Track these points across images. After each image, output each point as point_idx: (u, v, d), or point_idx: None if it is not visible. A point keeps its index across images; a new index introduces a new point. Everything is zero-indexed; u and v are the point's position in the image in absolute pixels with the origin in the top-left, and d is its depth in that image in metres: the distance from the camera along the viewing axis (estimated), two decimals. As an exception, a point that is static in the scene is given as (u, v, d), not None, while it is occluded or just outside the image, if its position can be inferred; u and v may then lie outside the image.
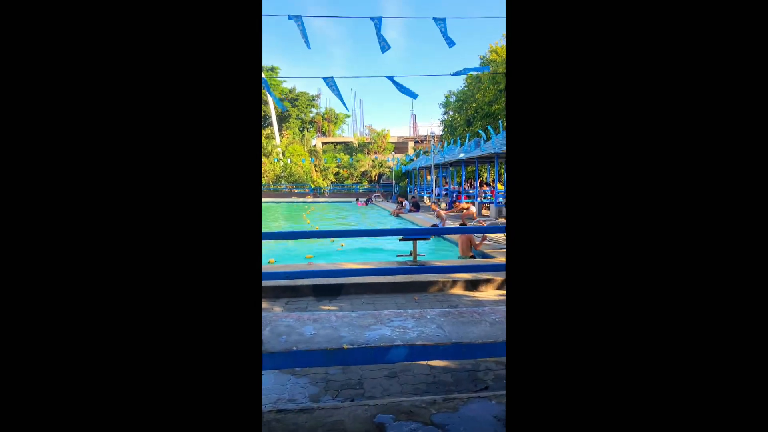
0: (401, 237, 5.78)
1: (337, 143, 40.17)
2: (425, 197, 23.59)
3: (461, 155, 16.35)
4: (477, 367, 2.83)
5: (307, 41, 6.45)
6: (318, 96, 45.96)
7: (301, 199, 30.52)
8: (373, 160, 36.98)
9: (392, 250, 8.04)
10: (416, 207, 16.49)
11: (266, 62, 43.00)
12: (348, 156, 36.41)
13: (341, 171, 36.46)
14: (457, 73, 7.99)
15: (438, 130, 33.62)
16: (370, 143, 39.10)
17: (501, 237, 7.80)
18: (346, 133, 47.57)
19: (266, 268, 5.16)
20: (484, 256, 6.31)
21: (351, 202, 25.85)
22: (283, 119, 44.05)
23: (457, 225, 9.71)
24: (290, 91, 45.08)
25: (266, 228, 13.09)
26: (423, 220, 13.04)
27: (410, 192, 26.86)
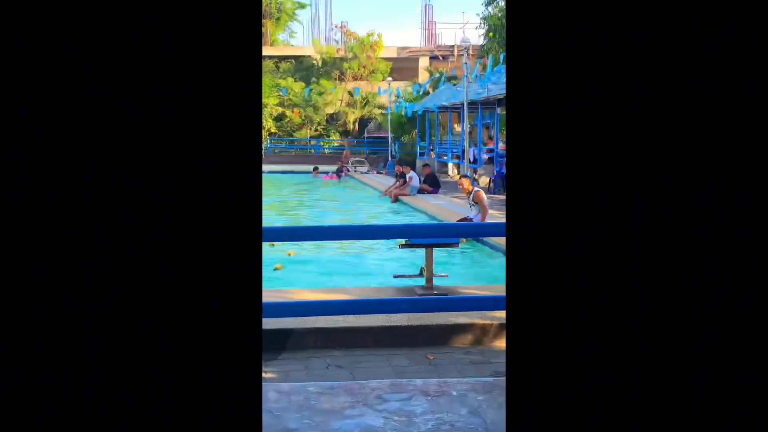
0: (404, 241, 5.82)
1: (282, 59, 40.06)
2: (449, 165, 23.79)
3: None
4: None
5: None
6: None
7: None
8: (351, 93, 36.94)
9: (387, 266, 8.09)
10: (432, 183, 16.61)
11: None
12: (302, 84, 36.30)
13: (289, 112, 36.34)
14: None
15: (475, 36, 33.59)
16: (344, 60, 39.23)
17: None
18: (299, 40, 47.38)
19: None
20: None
21: (307, 173, 25.83)
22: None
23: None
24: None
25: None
26: (445, 208, 13.16)
27: (421, 155, 27.00)
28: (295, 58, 40.30)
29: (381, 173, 25.21)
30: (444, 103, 23.30)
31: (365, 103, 36.50)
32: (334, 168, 25.58)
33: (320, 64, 39.29)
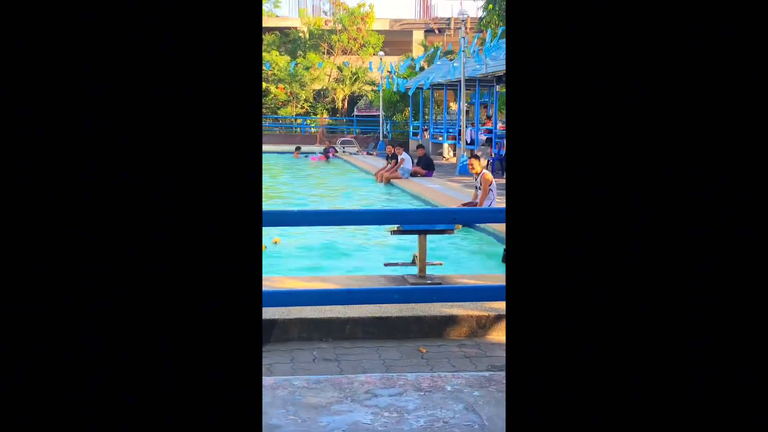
0: (396, 227, 5.83)
1: (266, 31, 39.78)
2: (445, 146, 23.79)
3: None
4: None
5: None
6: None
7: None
8: (341, 68, 36.75)
9: (377, 254, 8.10)
10: (426, 165, 16.62)
11: None
12: (288, 58, 36.07)
13: (273, 88, 36.09)
14: None
15: (474, 9, 33.41)
16: (333, 33, 38.97)
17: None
18: (285, 10, 47.05)
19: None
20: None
21: (288, 153, 25.67)
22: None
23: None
24: None
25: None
26: (440, 192, 13.18)
27: (415, 135, 26.97)
28: (280, 29, 40.02)
29: (371, 154, 25.19)
30: (439, 80, 23.23)
31: (355, 79, 36.34)
32: (320, 148, 25.47)
33: (307, 37, 39.07)
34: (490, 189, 9.20)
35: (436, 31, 41.96)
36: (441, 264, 6.09)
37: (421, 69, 29.36)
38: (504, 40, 19.16)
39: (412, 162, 16.50)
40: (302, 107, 36.15)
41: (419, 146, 18.44)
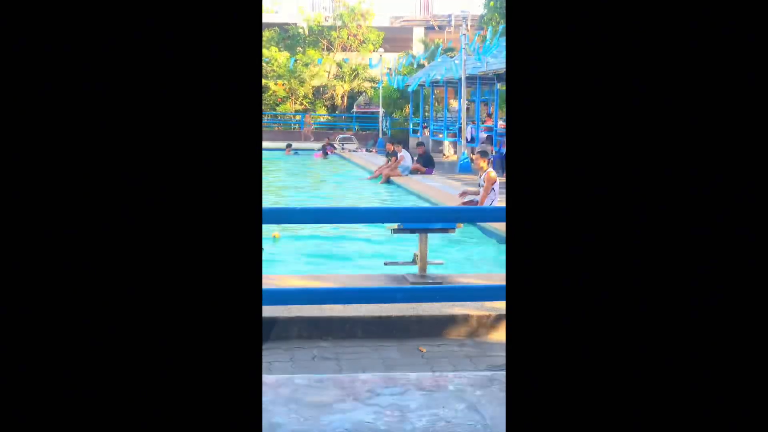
0: (396, 226, 5.84)
1: (266, 26, 39.69)
2: (445, 143, 23.77)
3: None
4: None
5: None
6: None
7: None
8: (340, 65, 36.71)
9: (377, 252, 8.10)
10: (427, 163, 16.61)
11: None
12: (287, 54, 36.01)
13: (272, 85, 36.02)
14: None
15: (475, 6, 33.40)
16: (333, 29, 38.92)
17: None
18: (285, 6, 46.93)
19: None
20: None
21: (280, 150, 25.54)
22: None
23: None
24: None
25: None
26: (440, 190, 13.17)
27: (415, 132, 26.94)
28: (280, 25, 39.91)
29: (371, 151, 25.14)
30: (440, 78, 23.22)
31: (355, 76, 36.26)
32: (320, 146, 25.42)
33: (306, 33, 38.98)
34: (492, 188, 9.19)
35: (437, 28, 41.92)
36: (442, 263, 6.09)
37: (421, 66, 29.34)
38: (504, 39, 19.20)
39: (412, 159, 16.48)
40: (301, 104, 36.06)
41: (419, 144, 18.41)
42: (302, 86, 35.68)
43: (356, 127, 33.26)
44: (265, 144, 28.57)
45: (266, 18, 40.65)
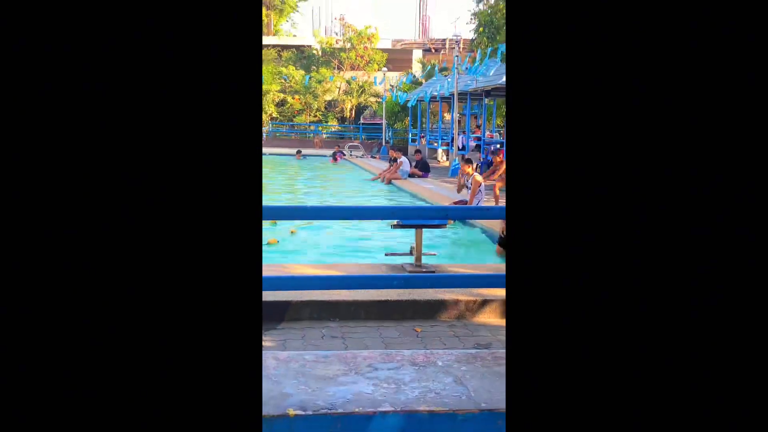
0: (395, 222, 5.83)
1: (284, 48, 39.68)
2: (439, 151, 23.74)
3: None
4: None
5: None
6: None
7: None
8: (349, 82, 36.64)
9: (379, 245, 8.11)
10: (423, 168, 16.59)
11: None
12: (303, 72, 35.94)
13: (290, 99, 36.01)
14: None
15: (467, 31, 33.38)
16: (342, 50, 38.80)
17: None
18: (301, 30, 46.91)
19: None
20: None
21: (292, 155, 25.76)
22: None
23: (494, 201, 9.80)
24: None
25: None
26: (434, 191, 13.16)
27: (413, 141, 26.90)
28: (297, 47, 39.98)
29: (375, 157, 25.11)
30: (435, 94, 23.18)
31: (361, 92, 36.29)
32: (332, 153, 25.47)
33: (320, 54, 38.97)
34: (479, 190, 9.20)
35: (433, 51, 41.88)
36: (435, 254, 6.10)
37: (419, 83, 29.31)
38: (492, 59, 19.16)
39: (410, 165, 16.49)
40: (315, 116, 36.25)
41: (417, 151, 18.38)
42: (316, 100, 35.79)
43: (363, 137, 33.26)
44: (280, 150, 28.95)
45: (286, 41, 40.86)
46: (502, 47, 19.77)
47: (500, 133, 20.30)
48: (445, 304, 4.69)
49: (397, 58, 40.10)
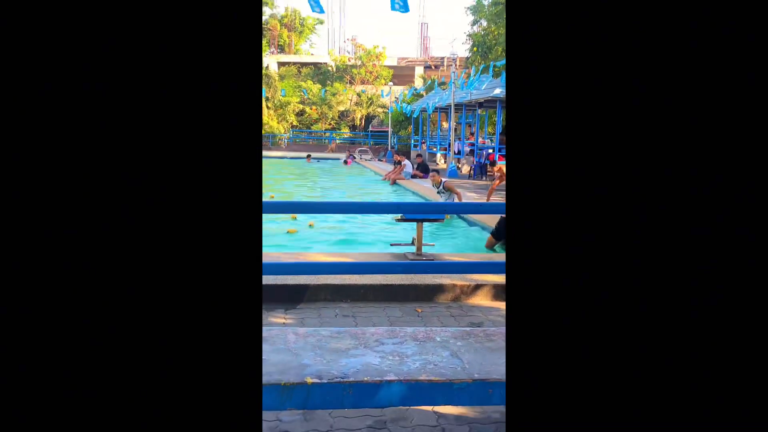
0: (399, 216, 5.81)
1: (303, 65, 39.64)
2: (438, 155, 23.66)
3: (498, 90, 16.27)
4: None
5: None
6: (274, -12, 45.05)
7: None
8: (359, 94, 36.57)
9: (385, 236, 8.10)
10: (424, 170, 16.53)
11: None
12: (319, 86, 35.92)
13: (308, 109, 36.00)
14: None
15: (462, 50, 33.29)
16: (354, 67, 38.69)
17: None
18: (318, 49, 46.83)
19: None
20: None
21: (301, 159, 25.83)
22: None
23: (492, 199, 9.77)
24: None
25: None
26: (432, 190, 13.08)
27: (415, 146, 26.83)
28: (314, 64, 40.04)
29: (382, 161, 25.13)
30: (435, 104, 23.13)
31: (370, 103, 36.39)
32: (345, 156, 25.54)
33: (334, 70, 39.00)
34: (458, 191, 9.33)
35: (433, 67, 41.79)
36: (433, 245, 6.08)
37: (421, 96, 29.27)
38: (484, 75, 19.07)
39: (413, 167, 16.47)
40: (329, 124, 36.50)
41: (418, 155, 18.38)
42: (330, 111, 36.01)
43: (371, 142, 33.31)
44: (292, 153, 29.30)
45: (304, 59, 40.98)
46: (494, 64, 19.70)
47: (491, 140, 20.20)
48: (442, 288, 4.67)
49: (401, 74, 40.09)
